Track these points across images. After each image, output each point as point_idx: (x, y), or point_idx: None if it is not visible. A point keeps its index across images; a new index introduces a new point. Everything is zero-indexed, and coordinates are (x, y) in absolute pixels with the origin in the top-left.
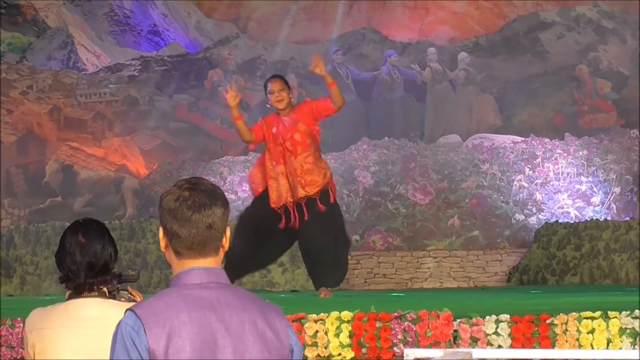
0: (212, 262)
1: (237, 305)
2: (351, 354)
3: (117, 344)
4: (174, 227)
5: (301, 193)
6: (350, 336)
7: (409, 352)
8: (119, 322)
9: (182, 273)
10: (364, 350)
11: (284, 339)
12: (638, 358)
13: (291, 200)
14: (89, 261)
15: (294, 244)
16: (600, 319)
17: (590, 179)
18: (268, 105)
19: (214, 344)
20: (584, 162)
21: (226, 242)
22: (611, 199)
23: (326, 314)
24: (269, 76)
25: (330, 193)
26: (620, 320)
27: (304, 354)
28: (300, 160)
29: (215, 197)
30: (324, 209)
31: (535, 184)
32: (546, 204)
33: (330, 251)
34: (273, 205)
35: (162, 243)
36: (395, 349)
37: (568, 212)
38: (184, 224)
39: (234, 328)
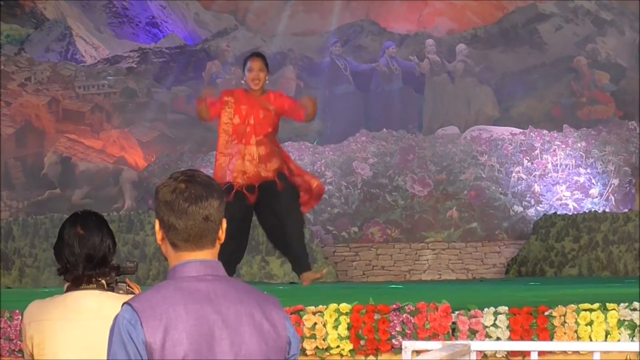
0: (209, 255)
1: (234, 297)
2: (349, 346)
3: (114, 337)
4: (170, 219)
5: (259, 175)
6: (348, 328)
7: (408, 344)
8: (116, 316)
9: (179, 266)
10: (362, 342)
11: (281, 330)
12: (636, 350)
13: (243, 182)
14: (87, 253)
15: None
16: (599, 310)
17: (588, 170)
18: (242, 82)
19: (211, 336)
20: (583, 154)
21: (222, 234)
22: (609, 190)
23: (325, 306)
24: (250, 53)
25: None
26: (618, 312)
27: (302, 346)
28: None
29: (212, 188)
30: (281, 189)
31: (534, 176)
32: (544, 195)
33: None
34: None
35: (159, 236)
36: (393, 341)
37: (566, 204)
38: (181, 216)
39: (230, 320)
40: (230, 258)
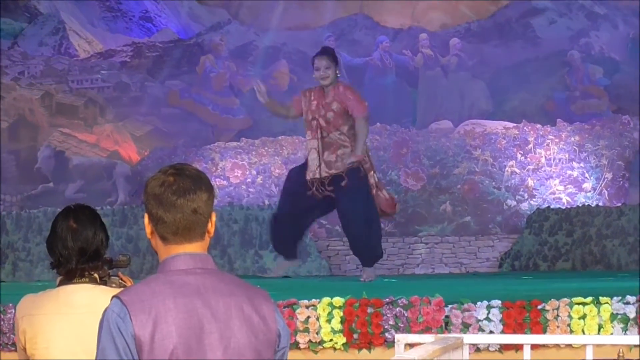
0: (198, 248)
1: (223, 290)
2: (343, 340)
3: (103, 331)
4: (159, 212)
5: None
6: (341, 322)
7: (400, 338)
8: (105, 309)
9: (169, 259)
10: (355, 336)
11: (271, 323)
12: (629, 343)
13: (318, 176)
14: (80, 247)
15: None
16: (592, 304)
17: (582, 164)
18: (316, 78)
19: (200, 329)
20: (576, 148)
21: (212, 228)
22: (603, 184)
23: (318, 300)
24: (317, 52)
25: (362, 170)
26: (611, 306)
27: (295, 340)
28: (332, 137)
29: (200, 182)
30: (347, 186)
31: (527, 170)
32: (538, 189)
33: (359, 229)
34: (308, 179)
35: (148, 229)
36: (386, 334)
37: (560, 198)
38: (169, 209)
39: (220, 313)
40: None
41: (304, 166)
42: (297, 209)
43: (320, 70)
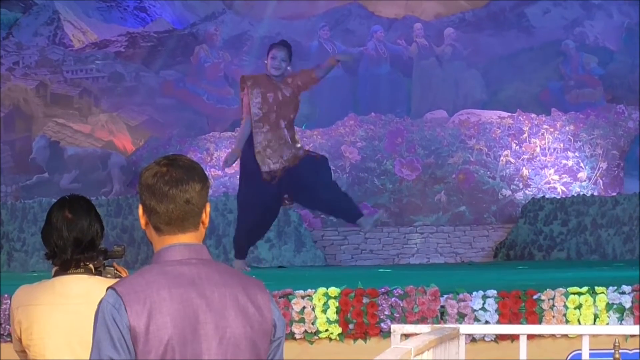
0: (192, 238)
1: (218, 280)
2: (338, 330)
3: (98, 322)
4: (152, 203)
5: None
6: (337, 312)
7: (396, 328)
8: (101, 300)
9: (163, 250)
10: (351, 326)
11: (266, 313)
12: (625, 333)
13: (279, 167)
14: (75, 237)
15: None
16: (588, 294)
17: (576, 154)
18: (267, 70)
19: (195, 319)
20: (571, 138)
21: (206, 218)
22: (598, 174)
23: (313, 290)
24: (276, 42)
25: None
26: (607, 295)
27: (291, 330)
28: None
29: (193, 172)
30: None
31: (522, 160)
32: (533, 179)
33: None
34: (263, 170)
35: (142, 220)
36: (382, 324)
37: (555, 188)
38: (162, 200)
39: (215, 303)
40: None
41: (253, 159)
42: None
43: (276, 59)
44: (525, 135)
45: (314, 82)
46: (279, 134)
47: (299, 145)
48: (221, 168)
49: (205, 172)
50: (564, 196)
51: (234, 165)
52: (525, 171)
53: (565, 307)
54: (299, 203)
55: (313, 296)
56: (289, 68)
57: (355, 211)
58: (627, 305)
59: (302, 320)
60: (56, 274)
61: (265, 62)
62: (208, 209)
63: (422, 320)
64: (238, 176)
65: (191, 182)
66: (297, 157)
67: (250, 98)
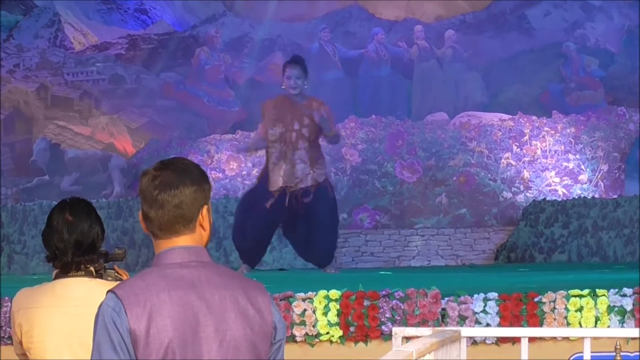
0: (190, 241)
1: (218, 283)
2: (339, 333)
3: (98, 325)
4: (145, 208)
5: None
6: (338, 315)
7: (397, 331)
8: (101, 304)
9: (163, 252)
10: (352, 328)
11: (267, 315)
12: (626, 336)
13: (286, 185)
14: (76, 239)
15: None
16: (589, 297)
17: (577, 156)
18: (282, 87)
19: (196, 322)
20: (572, 140)
21: (204, 221)
22: (599, 176)
23: (314, 293)
24: (289, 59)
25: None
26: (608, 298)
27: (292, 333)
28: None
29: (185, 175)
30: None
31: (523, 162)
32: (534, 181)
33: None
34: (272, 189)
35: (143, 225)
36: (383, 327)
37: (556, 190)
38: (152, 205)
39: (215, 306)
40: None
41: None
42: (259, 220)
43: (291, 79)
44: (526, 137)
45: (329, 131)
46: (294, 154)
47: (318, 169)
48: (222, 171)
49: (206, 174)
50: (564, 198)
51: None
52: (526, 173)
53: (567, 309)
54: (284, 234)
55: (314, 299)
56: (306, 85)
57: (327, 259)
58: (629, 307)
59: (303, 323)
60: (57, 277)
61: (283, 83)
62: (205, 211)
63: (423, 322)
64: (253, 183)
65: (181, 186)
66: (311, 181)
67: (267, 122)
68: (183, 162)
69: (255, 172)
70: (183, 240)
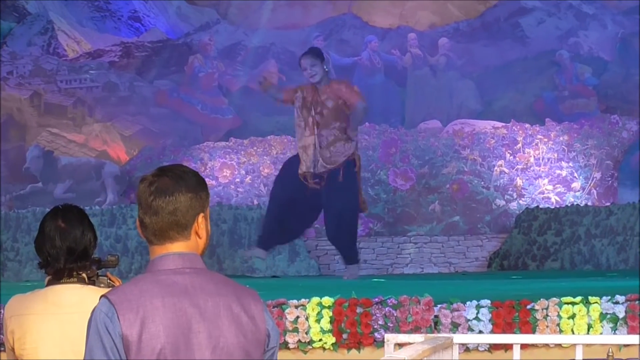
0: (184, 247)
1: (212, 289)
2: (332, 340)
3: (91, 330)
4: (139, 214)
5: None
6: (331, 322)
7: (390, 338)
8: (94, 309)
9: (157, 259)
10: (344, 335)
11: (260, 323)
12: (619, 343)
13: (312, 171)
14: (68, 246)
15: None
16: (581, 304)
17: (570, 164)
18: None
19: (188, 329)
20: (565, 148)
21: (199, 229)
22: (592, 184)
23: (307, 300)
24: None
25: (356, 163)
26: (600, 305)
27: (284, 340)
28: (327, 133)
29: (181, 182)
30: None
31: (516, 170)
32: (527, 189)
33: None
34: (300, 173)
35: (139, 230)
36: (375, 334)
37: (549, 198)
38: (147, 211)
39: (208, 313)
40: None
41: (297, 160)
42: (289, 204)
43: (307, 69)
44: (519, 145)
45: (352, 106)
46: (319, 140)
47: (341, 151)
48: (215, 178)
49: (204, 182)
50: (557, 206)
51: (228, 174)
52: (519, 181)
53: (559, 316)
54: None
55: (307, 306)
56: (327, 69)
57: (354, 254)
58: (621, 315)
59: (295, 330)
60: (49, 284)
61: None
62: (200, 219)
63: (416, 329)
64: (278, 172)
65: (177, 192)
66: (336, 163)
67: (295, 107)
68: (181, 169)
69: (249, 179)
70: (177, 247)
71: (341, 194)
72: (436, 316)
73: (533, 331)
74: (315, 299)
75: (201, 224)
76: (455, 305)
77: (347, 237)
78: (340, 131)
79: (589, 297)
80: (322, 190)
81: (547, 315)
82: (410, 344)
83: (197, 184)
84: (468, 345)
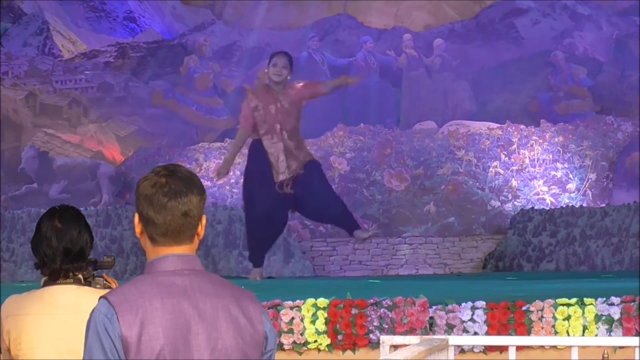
0: (187, 250)
1: (211, 291)
2: (327, 341)
3: (90, 331)
4: (149, 213)
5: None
6: (326, 323)
7: (385, 339)
8: (93, 310)
9: (156, 260)
10: (339, 337)
11: (258, 325)
12: (614, 345)
13: (288, 177)
14: (65, 247)
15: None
16: (576, 305)
17: (565, 165)
18: (265, 71)
19: (187, 330)
20: (560, 149)
21: (201, 230)
22: (587, 185)
23: (302, 301)
24: (277, 51)
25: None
26: (596, 307)
27: (279, 341)
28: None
29: (192, 184)
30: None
31: (511, 171)
32: (522, 190)
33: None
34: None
35: (138, 229)
36: (371, 335)
37: (544, 199)
38: (160, 211)
39: (207, 314)
40: None
41: (262, 171)
42: (267, 213)
43: (277, 66)
44: (515, 146)
45: (320, 95)
46: (285, 145)
47: (303, 153)
48: (210, 179)
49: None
50: (553, 207)
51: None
52: (514, 182)
53: (554, 318)
54: (304, 215)
55: (302, 307)
56: (289, 77)
57: (352, 221)
58: (616, 316)
59: (290, 331)
60: (45, 284)
61: (266, 70)
62: (204, 221)
63: (411, 331)
64: (241, 185)
65: (190, 194)
66: (302, 165)
67: (252, 112)
68: (186, 170)
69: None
70: (180, 249)
71: (316, 195)
72: (431, 317)
73: (528, 333)
74: (310, 300)
75: (203, 226)
76: (450, 307)
77: (344, 211)
78: (300, 135)
79: (584, 299)
80: (295, 194)
81: (542, 316)
82: (405, 345)
83: (201, 185)
84: (463, 347)
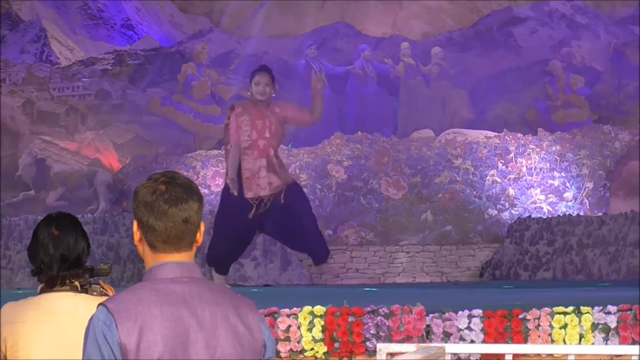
0: (186, 257)
1: (210, 299)
2: (324, 349)
3: (88, 338)
4: (149, 220)
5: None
6: (323, 331)
7: (382, 347)
8: (91, 317)
9: (155, 267)
10: (336, 344)
11: (257, 333)
12: (610, 353)
13: (267, 194)
14: (62, 254)
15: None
16: (573, 314)
17: (563, 174)
18: (248, 93)
19: (186, 338)
20: (557, 158)
21: (200, 237)
22: (584, 194)
23: (299, 309)
24: (257, 68)
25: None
26: (592, 315)
27: (276, 349)
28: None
29: (191, 191)
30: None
31: (508, 179)
32: (519, 199)
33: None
34: (249, 197)
35: (136, 236)
36: (367, 343)
37: (541, 207)
38: (160, 218)
39: (206, 322)
40: None
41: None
42: (237, 230)
43: (260, 85)
44: (512, 155)
45: (306, 124)
46: (268, 161)
47: (285, 173)
48: (208, 187)
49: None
50: (550, 216)
51: (220, 182)
52: (511, 191)
53: (551, 326)
54: (270, 235)
55: (299, 315)
56: (273, 94)
57: (323, 252)
58: (613, 325)
59: (287, 339)
60: (42, 291)
61: (250, 89)
62: (202, 228)
63: (408, 339)
64: (220, 197)
65: (190, 201)
66: (284, 185)
67: (240, 125)
68: (185, 178)
69: None
70: (179, 256)
71: (295, 221)
72: (428, 326)
73: (525, 341)
74: (307, 308)
75: (202, 232)
76: (447, 315)
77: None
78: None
79: (581, 307)
80: (270, 215)
81: (539, 325)
82: (402, 353)
83: (200, 192)
84: (460, 355)
